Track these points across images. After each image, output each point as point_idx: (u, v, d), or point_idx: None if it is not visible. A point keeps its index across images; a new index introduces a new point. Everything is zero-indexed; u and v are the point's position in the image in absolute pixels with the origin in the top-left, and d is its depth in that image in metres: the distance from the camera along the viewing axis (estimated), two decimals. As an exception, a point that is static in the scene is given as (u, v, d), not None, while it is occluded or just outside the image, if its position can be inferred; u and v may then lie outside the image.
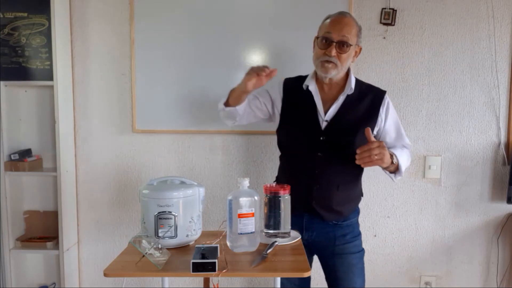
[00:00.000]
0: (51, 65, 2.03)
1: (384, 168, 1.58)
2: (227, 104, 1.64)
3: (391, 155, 1.52)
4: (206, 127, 2.13)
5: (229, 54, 2.09)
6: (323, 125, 1.60)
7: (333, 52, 1.53)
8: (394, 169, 1.59)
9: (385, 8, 2.07)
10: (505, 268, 2.21)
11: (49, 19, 2.01)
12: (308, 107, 1.63)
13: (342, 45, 1.53)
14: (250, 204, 1.37)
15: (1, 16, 2.05)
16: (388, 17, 2.06)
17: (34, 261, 2.26)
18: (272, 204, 1.45)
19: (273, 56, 2.08)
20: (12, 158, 2.09)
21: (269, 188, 1.46)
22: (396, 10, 2.07)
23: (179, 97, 2.12)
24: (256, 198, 1.39)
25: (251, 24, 2.07)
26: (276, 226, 1.46)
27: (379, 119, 1.63)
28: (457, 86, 2.12)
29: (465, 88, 2.12)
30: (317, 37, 1.59)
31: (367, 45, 2.10)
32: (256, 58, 2.08)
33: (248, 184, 1.40)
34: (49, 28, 2.02)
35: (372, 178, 2.16)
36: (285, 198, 1.45)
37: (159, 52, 2.10)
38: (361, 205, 2.17)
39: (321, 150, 1.58)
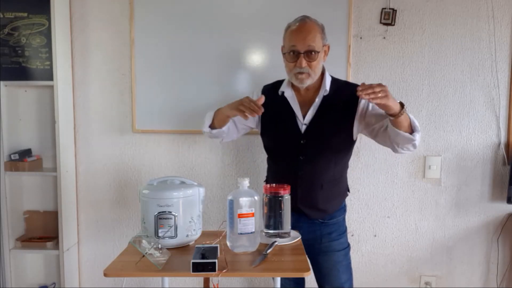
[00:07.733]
0: (51, 65, 2.03)
1: (395, 120, 1.41)
2: (212, 126, 1.65)
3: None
4: (206, 127, 2.13)
5: (229, 53, 2.09)
6: (303, 128, 1.61)
7: (303, 63, 1.53)
8: (408, 125, 1.45)
9: (385, 8, 2.07)
10: (505, 268, 2.20)
11: (49, 19, 2.01)
12: (286, 112, 1.64)
13: (310, 54, 1.52)
14: (250, 204, 1.37)
15: (1, 16, 2.05)
16: (388, 17, 2.06)
17: (34, 261, 2.26)
18: (272, 204, 1.45)
19: (272, 57, 2.08)
20: (12, 158, 2.09)
21: (269, 188, 1.46)
22: (396, 10, 2.06)
23: (179, 97, 2.12)
24: (256, 198, 1.39)
25: (251, 24, 2.07)
26: (276, 226, 1.46)
27: (359, 110, 1.58)
28: (457, 86, 2.12)
29: (465, 88, 2.12)
30: (283, 52, 1.59)
31: (367, 45, 2.10)
32: (256, 58, 2.08)
33: (248, 184, 1.40)
34: (49, 28, 2.02)
35: (372, 178, 2.16)
36: (286, 198, 1.45)
37: (159, 52, 2.10)
38: (361, 205, 2.19)
39: (302, 154, 1.60)
